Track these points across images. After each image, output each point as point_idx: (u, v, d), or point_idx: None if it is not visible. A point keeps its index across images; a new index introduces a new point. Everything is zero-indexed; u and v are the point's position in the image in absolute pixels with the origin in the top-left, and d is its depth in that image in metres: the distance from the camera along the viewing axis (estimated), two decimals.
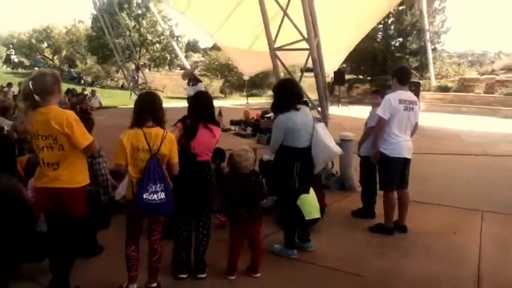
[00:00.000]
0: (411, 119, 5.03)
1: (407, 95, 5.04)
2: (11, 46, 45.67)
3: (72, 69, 42.22)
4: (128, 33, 20.98)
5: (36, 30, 49.73)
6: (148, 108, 3.52)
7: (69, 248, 3.46)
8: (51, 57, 49.28)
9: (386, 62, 26.92)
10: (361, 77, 28.65)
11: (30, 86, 3.20)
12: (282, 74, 7.39)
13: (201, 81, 12.11)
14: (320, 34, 10.90)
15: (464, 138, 12.42)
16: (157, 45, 35.74)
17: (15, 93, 18.17)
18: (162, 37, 35.33)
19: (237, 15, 15.08)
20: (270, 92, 36.01)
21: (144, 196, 3.36)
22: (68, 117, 3.24)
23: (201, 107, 4.00)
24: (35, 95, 3.19)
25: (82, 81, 32.62)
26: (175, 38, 32.76)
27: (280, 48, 6.78)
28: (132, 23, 33.59)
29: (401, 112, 4.92)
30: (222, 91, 35.51)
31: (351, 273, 4.15)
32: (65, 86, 24.55)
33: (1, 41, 51.19)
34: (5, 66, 40.66)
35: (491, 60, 34.16)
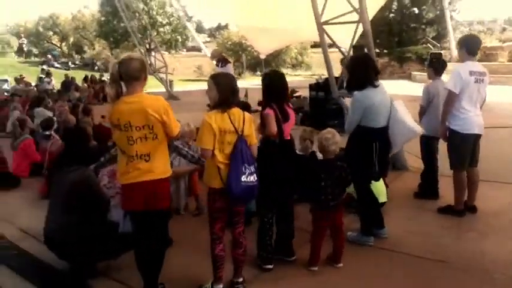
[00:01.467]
0: (481, 92, 4.77)
1: (476, 65, 4.76)
2: (22, 36, 45.38)
3: (83, 56, 41.94)
4: (139, 15, 20.44)
5: (43, 18, 49.40)
6: (232, 89, 3.33)
7: (162, 244, 3.33)
8: (59, 45, 49.01)
9: (402, 33, 26.43)
10: (377, 50, 28.10)
11: (118, 69, 3.03)
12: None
13: (230, 62, 11.81)
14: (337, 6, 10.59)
15: (497, 110, 12.02)
16: (168, 27, 35.23)
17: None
18: (172, 18, 34.81)
19: None
20: (285, 70, 35.85)
21: (243, 179, 3.17)
22: (163, 104, 3.11)
23: (277, 88, 3.84)
24: (122, 80, 3.05)
25: (96, 67, 32.34)
26: (189, 19, 32.21)
27: (327, 23, 6.46)
28: (141, 5, 33.10)
29: (472, 85, 4.65)
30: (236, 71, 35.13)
31: (433, 260, 3.98)
32: (78, 73, 24.51)
33: (9, 30, 50.94)
34: (16, 56, 40.47)
35: (502, 27, 33.39)
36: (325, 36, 6.56)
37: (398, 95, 10.08)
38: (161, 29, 34.89)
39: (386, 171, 4.76)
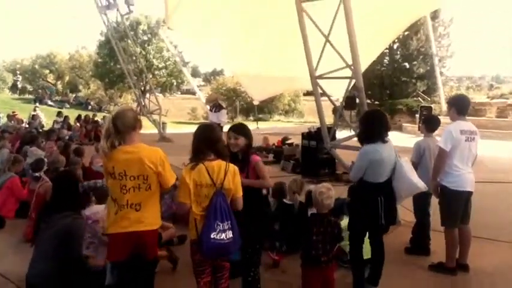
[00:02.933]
0: (472, 150, 4.81)
1: (467, 125, 4.83)
2: (17, 72, 45.76)
3: (78, 94, 42.16)
4: (135, 58, 20.79)
5: (40, 56, 50.06)
6: (208, 141, 3.25)
7: None
8: (53, 83, 49.36)
9: (394, 86, 27.01)
10: (369, 101, 28.62)
11: (112, 123, 3.03)
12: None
13: (224, 108, 11.90)
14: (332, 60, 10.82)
15: (488, 165, 12.14)
16: (164, 70, 35.78)
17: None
18: (168, 62, 35.40)
19: (246, 41, 15.02)
20: (277, 117, 36.22)
21: (212, 236, 3.07)
22: (160, 155, 3.10)
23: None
24: (119, 132, 3.03)
25: (89, 107, 32.45)
26: (185, 64, 32.76)
27: (321, 77, 6.59)
28: (138, 49, 33.73)
29: (462, 143, 4.71)
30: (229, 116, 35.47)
31: None
32: (72, 112, 24.54)
33: (5, 67, 51.31)
34: (10, 93, 40.57)
35: (489, 84, 34.35)
36: (319, 88, 6.65)
37: None
38: (157, 72, 35.40)
39: (393, 223, 4.72)
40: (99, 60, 36.90)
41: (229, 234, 3.13)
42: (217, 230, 3.08)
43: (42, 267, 3.52)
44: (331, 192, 3.71)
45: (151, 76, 32.90)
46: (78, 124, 18.03)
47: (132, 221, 3.03)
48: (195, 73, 69.52)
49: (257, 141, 13.86)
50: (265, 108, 34.73)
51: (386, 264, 4.99)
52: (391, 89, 26.75)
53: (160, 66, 35.20)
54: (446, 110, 5.04)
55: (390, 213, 4.28)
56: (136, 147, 3.05)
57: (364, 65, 16.79)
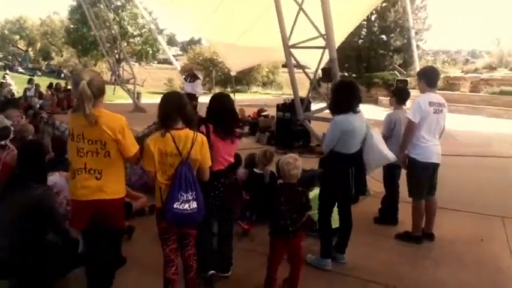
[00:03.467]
0: (440, 122, 4.89)
1: (436, 97, 4.89)
2: None
3: (50, 62, 40.96)
4: (108, 25, 20.18)
5: (9, 21, 48.09)
6: (175, 108, 3.17)
7: (111, 263, 3.20)
8: (25, 50, 47.75)
9: (371, 59, 27.11)
10: (346, 74, 28.70)
11: (87, 87, 2.90)
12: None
13: (199, 78, 11.76)
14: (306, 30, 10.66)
15: (459, 139, 12.40)
16: (138, 38, 34.94)
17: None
18: (143, 30, 34.56)
19: (224, 8, 14.70)
20: (255, 88, 36.01)
21: (175, 206, 3.05)
22: (121, 123, 3.02)
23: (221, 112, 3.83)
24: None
25: (62, 75, 31.59)
26: (160, 32, 32.04)
27: (294, 46, 6.52)
28: (111, 15, 32.77)
29: (431, 115, 4.77)
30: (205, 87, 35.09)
31: (388, 286, 4.01)
32: (44, 80, 23.86)
33: None
34: None
35: (465, 59, 34.79)
36: (292, 58, 6.59)
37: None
38: (132, 40, 34.59)
39: (362, 194, 4.81)
40: (71, 26, 35.80)
41: (193, 204, 3.11)
42: (181, 200, 3.06)
43: (8, 240, 3.38)
44: (298, 162, 3.71)
45: (125, 44, 32.17)
46: (49, 92, 17.57)
47: (92, 189, 2.98)
48: (171, 42, 68.20)
49: None
50: (244, 80, 34.49)
51: (355, 233, 5.09)
52: (368, 61, 26.87)
53: (135, 33, 34.39)
54: (417, 85, 5.06)
55: (360, 183, 4.34)
56: (98, 111, 2.96)
57: (341, 36, 16.72)
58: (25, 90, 17.32)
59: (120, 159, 3.09)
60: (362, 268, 4.34)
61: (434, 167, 4.94)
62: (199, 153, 3.20)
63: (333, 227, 4.47)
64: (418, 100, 4.82)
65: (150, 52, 36.56)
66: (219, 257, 3.96)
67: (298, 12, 6.40)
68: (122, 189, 3.15)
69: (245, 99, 22.61)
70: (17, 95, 17.29)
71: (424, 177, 4.89)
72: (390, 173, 5.50)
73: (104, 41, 17.14)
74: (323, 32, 6.11)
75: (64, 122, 7.57)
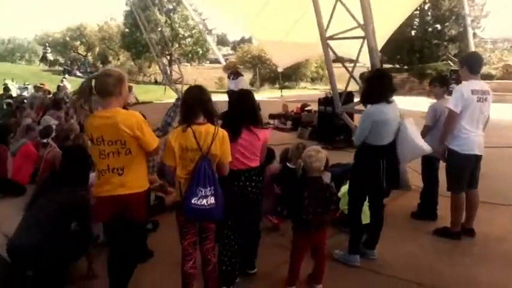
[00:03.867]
0: (484, 111, 4.58)
1: (479, 84, 4.58)
2: (47, 45, 46.58)
3: (106, 66, 42.67)
4: (160, 28, 20.70)
5: (70, 29, 50.59)
6: (197, 102, 3.17)
7: (132, 255, 3.26)
8: (84, 55, 50.11)
9: (424, 49, 26.06)
10: (397, 66, 27.82)
11: (92, 85, 3.03)
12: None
13: (242, 75, 11.74)
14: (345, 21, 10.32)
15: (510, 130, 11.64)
16: (189, 39, 35.66)
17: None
18: (193, 31, 35.24)
19: (270, 6, 14.66)
20: (303, 84, 35.70)
21: (193, 201, 3.04)
22: (137, 119, 3.05)
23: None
24: (96, 95, 3.02)
25: None
26: (209, 32, 32.58)
27: (332, 38, 6.35)
28: (163, 18, 33.67)
29: (474, 104, 4.47)
30: (252, 84, 35.23)
31: (422, 285, 3.80)
32: None
33: (37, 40, 52.37)
34: (42, 65, 41.52)
35: None
36: (330, 51, 6.43)
37: (413, 110, 9.90)
38: (183, 42, 35.31)
39: (395, 188, 4.64)
40: (126, 30, 37.12)
41: (211, 200, 3.10)
42: (199, 195, 3.05)
43: (39, 233, 3.54)
44: (321, 154, 3.60)
45: (177, 45, 32.95)
46: None
47: (115, 185, 3.04)
48: (223, 42, 69.20)
49: (278, 109, 13.74)
50: (292, 76, 34.29)
51: (389, 228, 4.94)
52: (421, 52, 25.83)
53: (186, 35, 35.09)
54: (460, 73, 4.75)
55: (393, 177, 4.16)
56: (112, 111, 3.01)
57: (390, 27, 16.22)
58: None
59: (141, 155, 3.14)
60: (393, 265, 4.15)
61: (477, 159, 4.64)
62: (220, 149, 3.18)
63: (364, 222, 4.32)
64: (459, 88, 4.54)
65: (200, 52, 37.22)
66: (245, 255, 3.86)
67: (336, 3, 6.23)
68: (143, 183, 3.20)
69: (292, 95, 22.42)
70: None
71: (464, 169, 4.61)
72: (429, 165, 5.24)
73: (153, 44, 17.50)
74: (361, 22, 5.92)
75: None
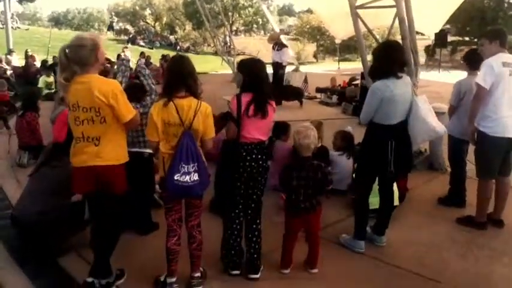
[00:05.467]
0: None
1: (509, 57, 4.10)
2: (112, 14, 48.03)
3: (171, 36, 43.42)
4: None
5: None
6: (178, 75, 3.07)
7: (111, 227, 3.25)
8: (152, 24, 51.23)
9: (497, 20, 24.02)
10: (467, 38, 25.92)
11: (67, 55, 2.95)
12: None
13: (286, 46, 11.52)
14: None
15: None
16: (250, 9, 35.30)
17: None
18: (254, 1, 34.83)
19: None
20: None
21: (175, 177, 2.97)
22: (113, 88, 2.97)
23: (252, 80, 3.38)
24: (73, 65, 2.96)
25: (178, 47, 33.42)
26: (266, 1, 32.07)
27: (362, 6, 5.98)
28: None
29: (506, 78, 4.01)
30: (315, 56, 34.43)
31: (424, 277, 3.52)
32: (160, 52, 25.49)
33: (109, 10, 54.27)
34: (109, 33, 42.98)
35: None
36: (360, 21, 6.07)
37: None
38: (243, 12, 35.04)
39: (407, 171, 4.32)
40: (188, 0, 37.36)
41: (194, 176, 3.02)
42: (181, 171, 2.99)
43: (39, 203, 3.65)
44: (310, 131, 3.38)
45: (237, 15, 32.77)
46: (159, 64, 18.65)
47: (90, 155, 3.00)
48: (289, 12, 67.97)
49: (328, 83, 13.28)
50: (352, 48, 33.03)
51: (412, 214, 4.71)
52: (494, 23, 23.74)
53: (246, 4, 34.76)
54: (487, 47, 4.24)
55: (403, 159, 3.82)
56: (87, 77, 2.95)
57: None
58: (137, 61, 18.61)
59: (116, 124, 3.06)
60: (400, 254, 3.89)
61: (509, 142, 4.17)
62: (202, 124, 3.09)
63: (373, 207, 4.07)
64: (488, 61, 4.07)
65: (260, 22, 36.79)
66: (247, 256, 3.61)
67: None
68: (120, 155, 3.13)
69: (350, 69, 21.62)
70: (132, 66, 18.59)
71: (495, 154, 4.19)
72: (455, 148, 4.84)
73: (207, 14, 17.51)
74: None
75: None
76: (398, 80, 3.66)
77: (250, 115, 3.27)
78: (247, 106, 3.26)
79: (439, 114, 5.85)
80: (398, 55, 3.74)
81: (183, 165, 3.00)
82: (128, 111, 3.05)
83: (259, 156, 3.37)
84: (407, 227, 4.40)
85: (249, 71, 3.40)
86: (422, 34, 17.24)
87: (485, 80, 4.01)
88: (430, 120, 3.83)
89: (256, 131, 3.34)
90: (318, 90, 12.81)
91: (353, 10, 6.04)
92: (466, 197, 4.89)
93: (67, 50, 2.97)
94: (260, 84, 3.33)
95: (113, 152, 3.07)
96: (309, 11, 47.60)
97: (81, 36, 3.10)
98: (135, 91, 4.11)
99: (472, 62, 4.75)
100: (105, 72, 10.99)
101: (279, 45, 11.32)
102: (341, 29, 18.83)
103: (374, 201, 4.06)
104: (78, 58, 2.94)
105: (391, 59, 3.69)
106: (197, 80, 3.21)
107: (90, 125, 2.98)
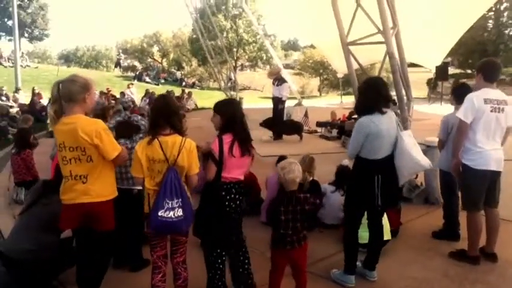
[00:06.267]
0: (501, 123, 4.15)
1: (495, 93, 4.17)
2: (120, 51, 49.12)
3: (178, 72, 44.15)
4: (224, 34, 21.17)
5: (147, 35, 53.00)
6: (162, 114, 3.18)
7: (98, 263, 3.29)
8: (160, 61, 52.29)
9: (499, 53, 24.32)
10: (469, 71, 26.17)
11: (59, 89, 3.09)
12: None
13: (286, 82, 11.70)
14: (418, 24, 9.80)
15: None
16: (254, 44, 35.96)
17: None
18: (258, 36, 35.56)
19: (328, 10, 14.31)
20: None
21: (159, 213, 3.02)
22: (97, 127, 3.07)
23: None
24: (62, 101, 3.08)
25: (184, 83, 33.98)
26: (269, 37, 32.71)
27: (353, 43, 6.15)
28: (228, 24, 34.20)
29: (487, 114, 4.08)
30: (318, 90, 34.78)
31: None
32: (165, 88, 25.90)
33: (117, 47, 55.63)
34: (116, 70, 43.88)
35: None
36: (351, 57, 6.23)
37: None
38: (247, 47, 35.69)
39: (395, 205, 4.35)
40: (194, 36, 38.17)
41: (179, 212, 3.07)
42: (165, 207, 3.04)
43: (27, 240, 3.65)
44: (293, 165, 3.42)
45: (242, 51, 33.35)
46: None
47: (78, 192, 3.08)
48: (294, 47, 69.15)
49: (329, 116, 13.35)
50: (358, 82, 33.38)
51: (405, 248, 4.69)
52: (495, 56, 24.01)
53: (250, 40, 35.42)
54: (475, 80, 4.36)
55: (389, 193, 3.87)
56: (73, 118, 3.06)
57: (459, 30, 15.16)
58: (142, 99, 19.02)
59: (102, 162, 3.14)
60: None
61: (493, 175, 4.20)
62: (187, 160, 3.16)
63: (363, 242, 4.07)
64: (470, 97, 4.16)
65: (264, 58, 37.39)
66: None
67: (356, 9, 6.05)
68: (108, 192, 3.21)
69: (351, 102, 21.68)
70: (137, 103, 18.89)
71: (478, 186, 4.20)
72: (446, 182, 4.86)
73: (210, 51, 17.90)
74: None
75: None
76: (383, 115, 3.73)
77: (236, 155, 3.33)
78: (230, 146, 3.32)
79: (432, 147, 5.96)
80: (382, 91, 3.81)
81: (167, 200, 3.05)
82: (113, 148, 3.13)
83: (237, 196, 3.43)
84: (400, 262, 4.37)
85: (226, 112, 3.46)
86: (421, 66, 17.45)
87: (465, 115, 4.10)
88: (416, 154, 3.86)
89: (238, 170, 3.41)
90: (319, 124, 12.92)
91: (345, 47, 6.20)
92: (460, 230, 4.85)
93: (60, 85, 3.09)
94: (238, 124, 3.42)
95: (101, 188, 3.15)
96: (312, 46, 48.66)
97: (76, 75, 3.25)
98: (127, 128, 4.20)
99: (457, 95, 4.84)
100: (107, 109, 11.24)
101: (278, 81, 11.51)
102: (342, 64, 19.05)
103: (364, 235, 4.06)
104: (67, 93, 3.07)
105: (375, 94, 3.77)
106: (181, 117, 3.32)
107: (77, 164, 3.08)
